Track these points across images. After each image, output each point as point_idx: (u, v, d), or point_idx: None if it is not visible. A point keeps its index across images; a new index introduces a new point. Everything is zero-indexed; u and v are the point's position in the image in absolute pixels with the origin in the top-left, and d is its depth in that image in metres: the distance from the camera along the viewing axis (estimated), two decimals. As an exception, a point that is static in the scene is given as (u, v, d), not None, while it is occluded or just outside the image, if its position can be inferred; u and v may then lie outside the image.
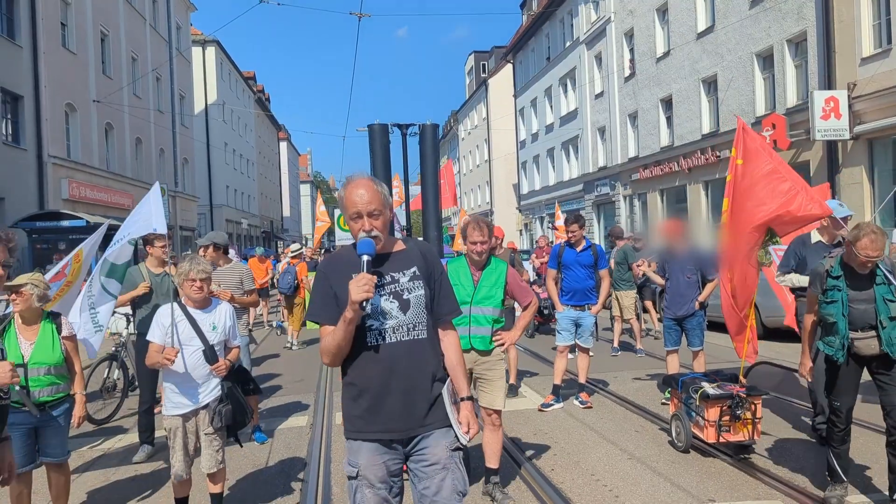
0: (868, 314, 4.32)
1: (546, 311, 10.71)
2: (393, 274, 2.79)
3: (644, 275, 11.13)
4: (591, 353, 7.94)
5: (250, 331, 7.30)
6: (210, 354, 4.30)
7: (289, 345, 13.11)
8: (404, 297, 2.77)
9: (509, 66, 46.56)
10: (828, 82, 17.45)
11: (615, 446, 6.02)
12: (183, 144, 34.55)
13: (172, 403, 4.33)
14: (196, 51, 39.52)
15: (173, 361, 4.14)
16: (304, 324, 13.39)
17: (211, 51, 42.15)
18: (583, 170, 34.12)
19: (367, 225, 2.73)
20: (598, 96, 31.98)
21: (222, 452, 4.46)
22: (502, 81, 48.14)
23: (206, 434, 4.36)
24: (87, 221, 17.66)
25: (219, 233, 7.09)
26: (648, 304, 12.09)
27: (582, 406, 7.50)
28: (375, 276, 2.64)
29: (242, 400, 4.47)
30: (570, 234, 7.62)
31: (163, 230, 5.44)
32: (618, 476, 5.24)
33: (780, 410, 6.90)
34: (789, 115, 18.58)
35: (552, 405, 7.53)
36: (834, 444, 4.54)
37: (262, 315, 17.79)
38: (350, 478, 2.76)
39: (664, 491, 4.88)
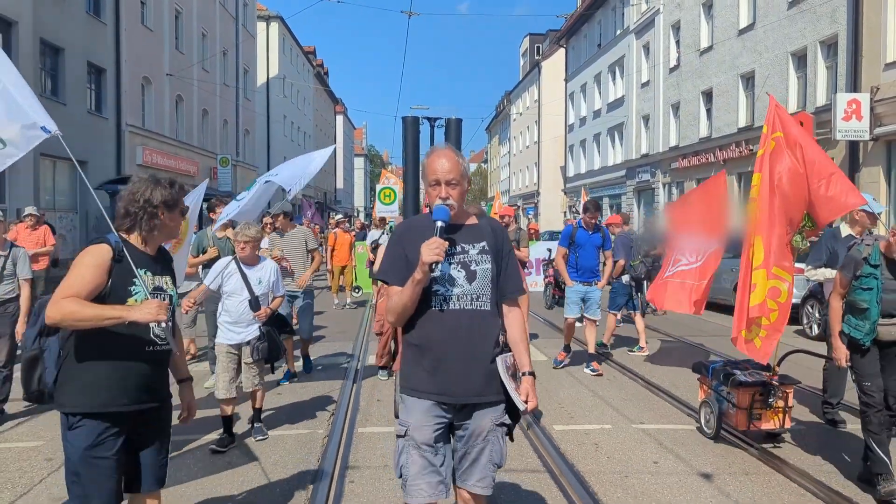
0: (894, 304, 4.50)
1: (563, 285, 12.12)
2: (463, 245, 2.87)
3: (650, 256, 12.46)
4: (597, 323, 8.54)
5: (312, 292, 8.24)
6: (254, 303, 5.43)
7: (343, 305, 14.80)
8: (472, 267, 2.85)
9: (562, 51, 47.23)
10: (854, 85, 18.19)
11: (623, 416, 6.32)
12: (245, 116, 36.59)
13: (224, 334, 5.48)
14: (260, 26, 41.42)
15: (185, 309, 5.38)
16: (356, 287, 16.11)
17: (274, 26, 44.00)
18: (626, 156, 34.95)
19: (444, 192, 2.82)
20: (644, 85, 32.71)
21: (259, 378, 5.57)
22: (555, 65, 48.79)
23: (245, 363, 5.49)
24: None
25: (285, 202, 7.87)
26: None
27: (593, 374, 7.96)
28: (447, 242, 2.73)
29: (278, 340, 5.54)
30: (588, 219, 8.23)
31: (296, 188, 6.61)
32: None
33: (802, 399, 6.86)
34: (817, 114, 19.35)
35: (564, 363, 8.33)
36: (873, 430, 4.47)
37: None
38: (399, 436, 2.85)
39: (667, 463, 5.08)
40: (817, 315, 10.80)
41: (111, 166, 21.68)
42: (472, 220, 2.96)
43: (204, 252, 7.64)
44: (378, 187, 20.45)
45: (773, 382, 5.40)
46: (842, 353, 4.66)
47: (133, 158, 23.00)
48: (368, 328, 11.22)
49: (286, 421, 6.30)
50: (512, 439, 2.96)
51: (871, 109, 17.38)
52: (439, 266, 2.72)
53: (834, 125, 17.50)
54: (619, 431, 5.99)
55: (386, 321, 6.93)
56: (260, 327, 5.48)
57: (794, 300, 11.83)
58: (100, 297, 2.87)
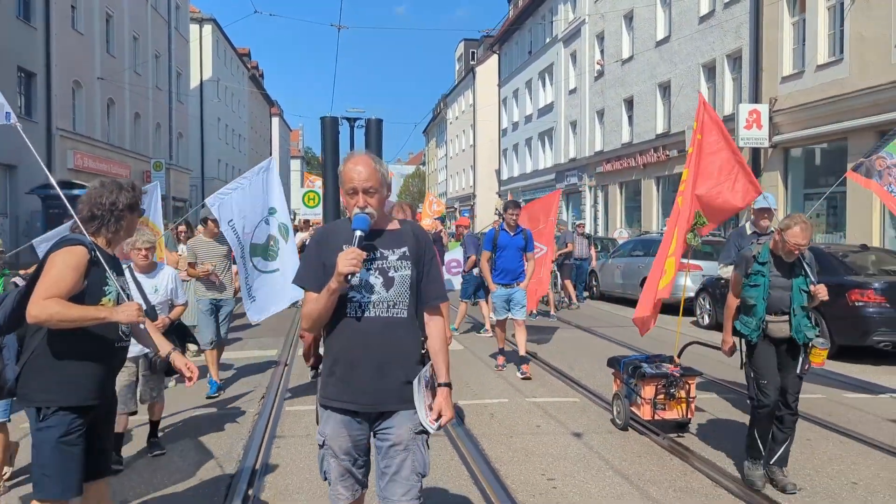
0: (783, 301, 4.57)
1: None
2: (383, 251, 2.82)
3: (561, 255, 13.47)
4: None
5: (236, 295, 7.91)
6: (150, 312, 4.67)
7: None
8: (389, 274, 2.80)
9: (495, 57, 48.47)
10: (755, 96, 19.70)
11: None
12: (178, 119, 36.46)
13: None
14: (193, 28, 41.25)
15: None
16: None
17: (207, 28, 43.82)
18: (556, 160, 36.27)
19: (362, 201, 2.77)
20: (571, 92, 34.05)
21: (157, 391, 5.33)
22: (489, 70, 50.00)
23: (142, 375, 5.20)
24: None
25: (206, 208, 7.62)
26: (567, 282, 14.38)
27: (522, 377, 7.97)
28: (365, 252, 2.69)
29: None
30: (509, 217, 8.28)
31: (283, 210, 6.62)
32: (569, 473, 4.85)
33: (716, 392, 7.20)
34: (725, 123, 20.59)
35: (506, 365, 8.50)
36: (760, 425, 4.65)
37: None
38: (319, 445, 2.85)
39: (593, 464, 5.06)
40: (708, 307, 11.96)
41: (41, 171, 21.58)
42: (395, 225, 2.90)
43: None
44: (302, 191, 20.94)
45: (676, 374, 5.63)
46: (727, 345, 4.91)
47: (64, 162, 22.93)
48: (298, 326, 11.84)
49: (220, 402, 6.95)
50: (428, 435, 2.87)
51: (770, 119, 18.89)
52: (356, 275, 2.67)
53: (737, 133, 18.92)
54: (513, 405, 6.85)
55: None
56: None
57: (689, 293, 13.08)
58: (75, 298, 2.99)
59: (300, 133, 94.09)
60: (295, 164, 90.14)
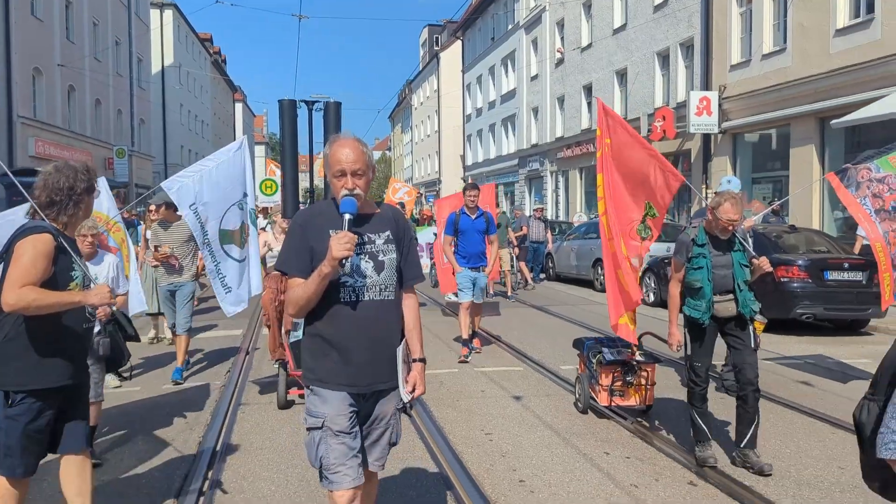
0: (727, 279, 4.63)
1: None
2: (370, 235, 2.83)
3: (518, 238, 14.04)
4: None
5: (198, 279, 7.77)
6: None
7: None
8: (379, 258, 2.82)
9: (459, 43, 48.79)
10: (706, 83, 20.43)
11: (596, 468, 5.18)
12: (140, 106, 36.20)
13: None
14: (154, 14, 40.83)
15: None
16: None
17: (168, 14, 43.38)
18: (518, 146, 36.85)
19: (351, 183, 2.75)
20: (533, 79, 34.61)
21: (99, 385, 4.82)
22: (453, 56, 50.28)
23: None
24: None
25: (162, 194, 7.26)
26: (522, 264, 14.98)
27: (474, 351, 8.18)
28: (356, 236, 2.68)
29: (120, 341, 4.51)
30: (468, 199, 8.18)
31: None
32: (550, 474, 4.65)
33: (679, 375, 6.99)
34: (677, 110, 21.53)
35: (468, 357, 8.11)
36: (696, 404, 4.72)
37: None
38: (312, 429, 2.80)
39: (555, 445, 5.02)
40: (653, 285, 12.65)
41: (3, 158, 21.52)
42: (376, 209, 2.94)
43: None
44: (258, 179, 21.17)
45: (632, 361, 5.55)
46: (674, 340, 4.85)
47: (25, 149, 22.85)
48: (261, 312, 12.20)
49: (183, 387, 7.02)
50: (410, 414, 3.17)
51: (720, 106, 19.64)
52: (349, 260, 2.67)
53: (688, 120, 19.67)
54: (462, 374, 7.43)
55: (270, 314, 6.96)
56: (102, 322, 4.43)
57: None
58: (46, 284, 3.05)
59: (264, 119, 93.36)
60: (259, 150, 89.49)
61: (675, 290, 4.87)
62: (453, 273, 8.42)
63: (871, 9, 14.93)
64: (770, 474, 4.43)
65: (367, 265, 2.79)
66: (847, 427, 5.44)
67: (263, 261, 9.53)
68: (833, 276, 9.50)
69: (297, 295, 2.74)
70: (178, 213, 7.19)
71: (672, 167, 5.76)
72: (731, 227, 4.58)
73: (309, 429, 2.80)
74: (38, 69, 24.25)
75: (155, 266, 7.47)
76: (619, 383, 5.54)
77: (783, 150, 17.82)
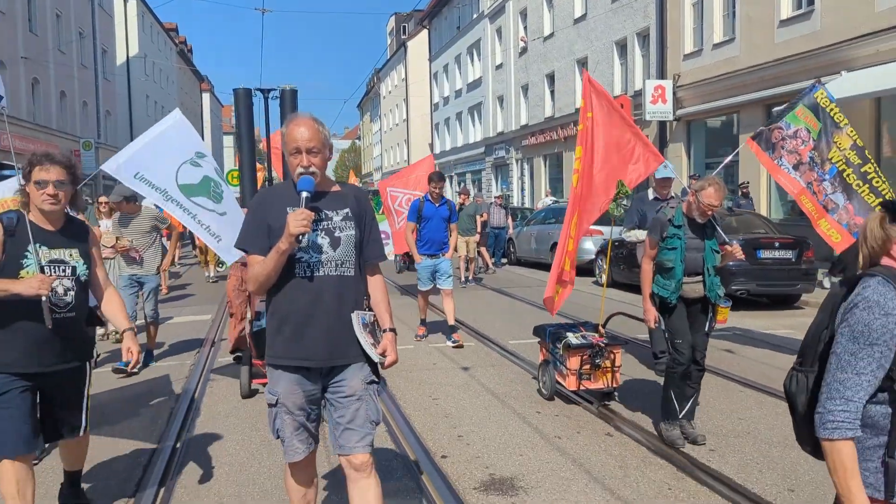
0: (697, 262, 4.70)
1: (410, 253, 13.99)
2: (327, 212, 2.88)
3: (480, 224, 14.61)
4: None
5: (158, 268, 7.62)
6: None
7: (209, 278, 16.04)
8: (335, 234, 2.86)
9: (426, 32, 49.11)
10: (661, 72, 21.14)
11: (526, 423, 5.43)
12: (105, 97, 36.06)
13: None
14: (118, 4, 40.55)
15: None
16: (220, 262, 16.11)
17: (132, 4, 43.07)
18: (484, 134, 37.41)
19: (306, 161, 2.80)
20: (498, 67, 35.14)
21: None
22: (420, 45, 50.60)
23: None
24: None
25: (122, 186, 6.94)
26: (483, 249, 15.57)
27: (454, 346, 8.03)
28: (313, 213, 2.74)
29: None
30: (433, 189, 8.31)
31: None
32: (486, 430, 5.08)
33: (640, 356, 7.25)
34: (635, 98, 22.21)
35: (426, 335, 8.48)
36: (675, 384, 4.77)
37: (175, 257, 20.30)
38: (270, 405, 2.88)
39: (592, 492, 4.59)
40: (605, 266, 13.27)
41: (-32, 152, 21.54)
42: (336, 188, 2.98)
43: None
44: (226, 170, 21.40)
45: (600, 344, 5.56)
46: (651, 315, 4.86)
47: (-10, 143, 22.86)
48: (226, 302, 12.59)
49: (162, 356, 7.73)
50: (382, 390, 3.17)
51: (674, 94, 20.36)
52: (306, 236, 2.72)
53: (644, 108, 20.36)
54: (417, 349, 7.94)
55: (233, 302, 6.99)
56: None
57: (589, 256, 14.36)
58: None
59: (232, 109, 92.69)
60: (228, 140, 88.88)
61: (647, 266, 4.89)
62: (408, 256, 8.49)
63: (811, 1, 15.69)
64: (704, 444, 4.67)
65: (323, 241, 2.84)
66: (754, 385, 6.12)
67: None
68: (765, 254, 10.22)
69: (257, 272, 2.82)
70: (137, 203, 7.32)
71: (653, 147, 5.91)
72: (709, 212, 4.66)
73: (268, 405, 2.91)
74: (0, 62, 24.20)
75: (113, 256, 7.47)
76: (587, 367, 5.51)
77: (733, 136, 18.59)
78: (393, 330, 3.00)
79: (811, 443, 2.06)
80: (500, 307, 11.17)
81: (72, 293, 3.34)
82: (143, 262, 7.36)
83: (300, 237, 2.69)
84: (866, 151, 6.48)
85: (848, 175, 6.34)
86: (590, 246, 14.31)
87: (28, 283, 3.15)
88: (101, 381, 6.52)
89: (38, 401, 3.32)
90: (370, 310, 3.02)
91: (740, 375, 6.45)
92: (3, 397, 3.16)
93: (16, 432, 3.15)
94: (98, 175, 32.07)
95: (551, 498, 3.95)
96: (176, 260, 19.08)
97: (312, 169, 2.81)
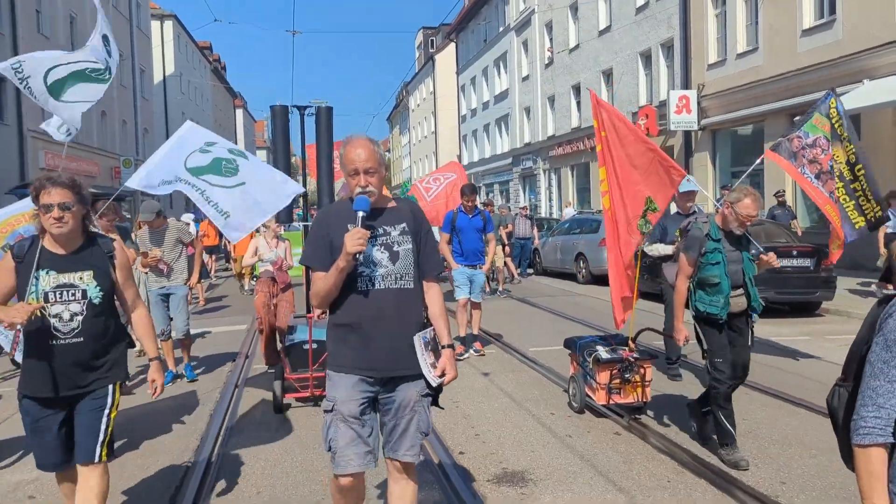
0: (738, 275, 4.61)
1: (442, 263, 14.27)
2: (385, 227, 3.01)
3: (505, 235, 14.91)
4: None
5: (187, 281, 7.72)
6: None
7: (244, 290, 16.60)
8: (394, 248, 3.00)
9: (453, 45, 49.72)
10: (686, 82, 21.34)
11: (540, 424, 5.74)
12: (143, 116, 37.24)
13: None
14: (154, 25, 41.86)
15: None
16: (254, 276, 16.78)
17: (169, 24, 44.42)
18: (512, 145, 37.78)
19: (364, 181, 2.94)
20: (524, 79, 35.52)
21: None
22: (448, 58, 51.25)
23: None
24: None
25: (151, 202, 7.61)
26: (508, 260, 15.89)
27: (476, 354, 8.13)
28: (369, 231, 2.87)
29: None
30: (466, 201, 8.38)
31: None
32: (502, 429, 5.38)
33: (666, 370, 7.06)
34: (659, 108, 22.42)
35: (464, 355, 8.13)
36: (721, 404, 4.62)
37: (211, 269, 20.91)
38: (326, 411, 2.97)
39: (596, 485, 4.46)
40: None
41: (15, 171, 22.53)
42: (392, 203, 3.11)
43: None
44: None
45: (630, 358, 5.51)
46: (681, 335, 4.80)
47: (36, 162, 23.86)
48: (255, 319, 12.94)
49: (178, 393, 7.10)
50: (441, 406, 3.19)
51: (699, 104, 20.55)
52: (362, 253, 2.83)
53: (668, 118, 20.57)
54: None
55: (264, 318, 7.32)
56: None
57: (606, 265, 14.50)
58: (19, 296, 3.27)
59: (265, 124, 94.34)
60: (261, 154, 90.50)
61: (682, 286, 4.80)
62: (448, 270, 8.53)
63: (833, 10, 15.82)
64: (747, 468, 4.48)
65: (381, 255, 2.97)
66: (760, 389, 6.36)
67: (253, 268, 9.38)
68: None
69: (319, 287, 2.96)
70: (163, 217, 7.54)
71: (672, 161, 5.73)
72: (748, 223, 4.56)
73: (324, 411, 3.01)
74: (45, 84, 25.25)
75: (145, 272, 7.60)
76: (617, 381, 5.47)
77: (758, 144, 18.68)
78: (451, 346, 3.10)
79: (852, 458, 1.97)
80: (523, 315, 11.50)
81: (79, 318, 3.27)
82: (170, 274, 7.48)
83: (357, 255, 2.83)
84: (857, 169, 6.57)
85: (838, 188, 6.54)
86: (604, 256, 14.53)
87: (9, 312, 3.13)
88: (138, 395, 6.76)
89: (70, 420, 3.39)
90: (429, 321, 3.12)
91: (748, 379, 6.67)
92: (35, 425, 3.32)
93: (49, 456, 3.38)
94: (137, 194, 33.12)
95: (558, 489, 4.28)
96: (212, 273, 19.78)
97: (370, 189, 2.94)
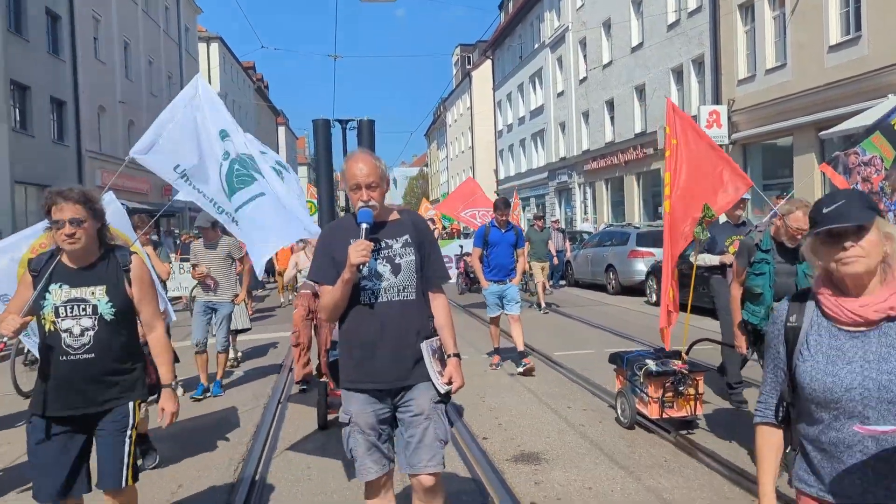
0: (788, 287, 4.41)
1: (472, 275, 14.71)
2: (387, 240, 3.04)
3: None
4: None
5: (234, 297, 7.75)
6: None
7: (283, 303, 17.48)
8: (396, 261, 3.02)
9: (489, 62, 50.58)
10: (716, 98, 21.74)
11: (557, 415, 6.14)
12: (191, 134, 38.84)
13: None
14: (201, 47, 43.63)
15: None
16: (295, 288, 17.49)
17: (214, 46, 46.21)
18: (547, 160, 38.35)
19: (365, 196, 2.97)
20: (559, 95, 36.12)
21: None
22: (484, 74, 52.10)
23: None
24: (125, 204, 22.04)
25: (205, 214, 6.99)
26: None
27: (522, 371, 7.94)
28: (372, 243, 2.89)
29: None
30: (499, 216, 8.36)
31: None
32: (522, 419, 5.86)
33: (712, 381, 6.92)
34: (691, 122, 22.80)
35: (501, 364, 8.42)
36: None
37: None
38: (344, 424, 3.05)
39: (601, 464, 4.87)
40: (656, 287, 14.03)
41: (74, 189, 23.94)
42: (395, 216, 3.13)
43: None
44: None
45: (683, 371, 5.43)
46: (742, 342, 4.76)
47: (92, 180, 25.27)
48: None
49: (239, 381, 8.14)
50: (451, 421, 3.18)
51: (729, 118, 20.92)
52: (366, 265, 2.87)
53: (699, 132, 20.94)
54: (471, 360, 8.73)
55: (301, 332, 7.31)
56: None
57: (640, 276, 15.04)
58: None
59: (306, 140, 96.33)
60: (302, 171, 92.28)
61: (736, 292, 4.81)
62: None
63: (858, 27, 16.16)
64: None
65: (384, 268, 3.01)
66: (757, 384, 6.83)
67: (295, 280, 9.60)
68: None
69: (326, 301, 3.04)
70: (216, 229, 7.43)
71: (741, 170, 5.77)
72: (799, 236, 4.45)
73: (343, 423, 3.09)
74: (101, 107, 26.76)
75: (197, 283, 7.78)
76: (669, 394, 5.38)
77: (788, 158, 19.00)
78: (457, 355, 3.11)
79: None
80: (551, 324, 12.08)
81: (90, 333, 3.15)
82: (217, 289, 7.50)
83: (361, 267, 2.87)
84: None
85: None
86: (641, 267, 15.04)
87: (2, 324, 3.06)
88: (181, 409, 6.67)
89: (83, 445, 3.24)
90: (436, 331, 3.14)
91: (750, 377, 7.19)
92: (38, 446, 3.14)
93: (52, 477, 3.12)
94: (185, 210, 34.48)
95: (567, 466, 4.91)
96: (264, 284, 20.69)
97: (372, 202, 2.98)
